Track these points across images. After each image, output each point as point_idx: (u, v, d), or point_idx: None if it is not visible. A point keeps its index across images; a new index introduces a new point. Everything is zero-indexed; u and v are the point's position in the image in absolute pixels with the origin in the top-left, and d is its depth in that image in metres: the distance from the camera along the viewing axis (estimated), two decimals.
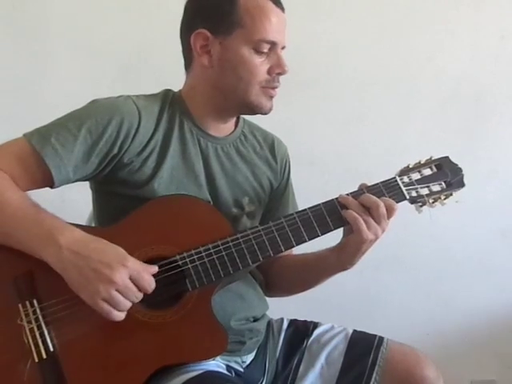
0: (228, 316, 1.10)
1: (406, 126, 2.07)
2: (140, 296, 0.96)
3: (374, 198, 1.07)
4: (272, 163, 1.28)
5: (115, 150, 1.06)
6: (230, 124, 1.23)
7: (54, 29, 1.91)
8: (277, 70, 1.12)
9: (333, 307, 1.92)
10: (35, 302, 0.97)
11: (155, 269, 0.98)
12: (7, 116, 1.85)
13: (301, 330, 1.27)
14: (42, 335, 0.95)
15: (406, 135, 2.07)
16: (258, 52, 1.10)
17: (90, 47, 1.92)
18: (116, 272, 0.92)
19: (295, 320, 1.31)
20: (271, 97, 1.15)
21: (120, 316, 0.95)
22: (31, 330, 0.95)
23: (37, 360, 0.94)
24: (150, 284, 0.97)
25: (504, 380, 2.17)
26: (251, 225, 1.19)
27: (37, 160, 1.02)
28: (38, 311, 0.96)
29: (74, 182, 1.08)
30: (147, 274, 0.96)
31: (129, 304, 0.95)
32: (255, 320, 1.20)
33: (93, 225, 1.25)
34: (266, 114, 1.17)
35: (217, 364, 1.09)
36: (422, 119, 2.08)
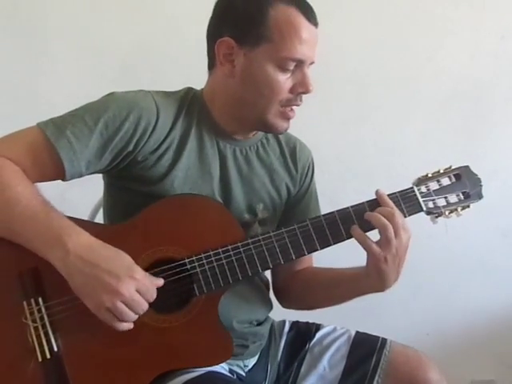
0: (231, 317, 1.09)
1: (405, 126, 2.07)
2: (146, 308, 0.94)
3: (382, 219, 1.02)
4: (292, 170, 1.23)
5: (130, 147, 1.04)
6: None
7: (53, 28, 1.91)
8: (300, 89, 1.08)
9: (334, 307, 1.92)
10: (40, 300, 0.95)
11: (161, 282, 0.97)
12: (7, 115, 1.84)
13: (303, 333, 1.26)
14: (46, 335, 0.94)
15: (406, 135, 2.07)
16: (283, 69, 1.05)
17: (89, 47, 1.92)
18: (123, 283, 0.91)
19: (297, 322, 1.30)
20: (288, 119, 1.11)
21: (124, 326, 0.94)
22: (36, 328, 0.94)
23: (40, 360, 0.93)
24: (153, 295, 0.95)
25: (504, 380, 2.17)
26: (262, 231, 1.15)
27: (50, 152, 0.99)
28: (43, 310, 0.95)
29: (86, 175, 1.06)
30: (152, 286, 0.95)
31: (134, 316, 0.93)
32: (259, 324, 1.19)
33: (95, 219, 1.23)
34: (281, 133, 1.15)
35: (219, 366, 1.08)
36: (421, 119, 2.08)
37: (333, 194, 1.90)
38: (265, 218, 1.17)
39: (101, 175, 1.16)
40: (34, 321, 0.94)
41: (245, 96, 1.09)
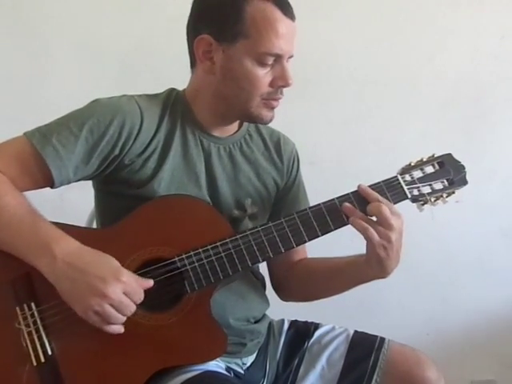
0: (227, 314, 1.10)
1: (405, 126, 2.07)
2: (134, 309, 0.95)
3: (375, 205, 1.05)
4: (278, 163, 1.25)
5: (116, 151, 1.05)
6: (234, 125, 1.21)
7: (53, 28, 1.91)
8: (280, 82, 1.09)
9: (332, 307, 1.91)
10: (33, 305, 0.96)
11: (150, 283, 0.98)
12: (7, 116, 1.84)
13: (301, 332, 1.27)
14: (40, 338, 0.95)
15: (406, 135, 2.07)
16: (262, 64, 1.07)
17: (89, 47, 1.92)
18: (110, 287, 0.92)
19: (296, 321, 1.31)
20: (272, 108, 1.12)
21: (113, 329, 0.94)
22: (29, 333, 0.94)
23: (35, 364, 0.94)
24: (141, 297, 0.96)
25: (504, 380, 2.17)
26: (253, 226, 1.15)
27: (37, 160, 1.01)
28: (36, 314, 0.96)
29: (74, 182, 1.08)
30: (139, 288, 0.96)
31: (122, 318, 0.94)
32: (256, 321, 1.19)
33: (94, 224, 1.24)
34: (266, 124, 1.16)
35: (216, 364, 1.09)
36: (421, 119, 2.08)
37: (333, 193, 1.90)
38: (254, 212, 1.18)
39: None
40: (27, 325, 0.94)
41: (226, 92, 1.10)
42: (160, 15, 1.93)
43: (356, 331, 1.25)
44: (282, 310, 1.31)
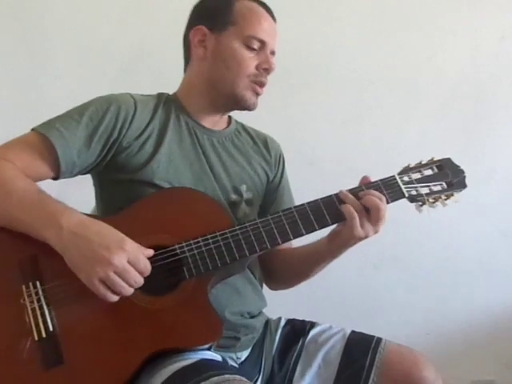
0: (222, 307, 1.11)
1: (405, 126, 2.08)
2: (139, 280, 0.98)
3: (377, 200, 1.08)
4: (266, 156, 1.33)
5: (115, 135, 1.13)
6: (223, 121, 1.30)
7: (53, 29, 1.92)
8: (264, 65, 1.20)
9: (332, 307, 1.93)
10: (38, 283, 1.00)
11: (150, 252, 1.01)
12: (7, 116, 1.85)
13: (297, 329, 1.28)
14: (42, 315, 0.98)
15: (406, 135, 2.07)
16: (248, 48, 1.19)
17: (89, 47, 1.92)
18: (114, 254, 0.95)
19: (293, 319, 1.32)
20: (257, 93, 1.21)
21: (116, 298, 0.97)
22: (33, 309, 0.98)
23: (36, 338, 0.97)
24: (146, 265, 0.99)
25: (504, 380, 2.17)
26: (250, 212, 1.23)
27: (44, 143, 1.07)
28: (41, 292, 1.00)
29: (78, 171, 1.13)
30: (143, 256, 0.99)
31: (127, 287, 0.97)
32: (251, 317, 1.20)
33: None
34: (250, 109, 1.23)
35: (212, 355, 1.10)
36: (421, 119, 2.08)
37: (332, 193, 1.91)
38: (250, 198, 1.25)
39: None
40: (31, 302, 0.99)
41: (216, 73, 1.21)
42: (160, 16, 1.93)
43: (353, 331, 1.25)
44: (279, 309, 1.31)
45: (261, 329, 1.24)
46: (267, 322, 1.28)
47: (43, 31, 1.92)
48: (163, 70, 1.85)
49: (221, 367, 1.02)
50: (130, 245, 0.98)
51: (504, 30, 2.07)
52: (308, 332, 1.26)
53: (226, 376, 0.95)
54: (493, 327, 2.16)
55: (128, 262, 0.97)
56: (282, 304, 1.33)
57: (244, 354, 1.20)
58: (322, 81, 1.99)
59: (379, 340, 1.21)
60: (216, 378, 0.94)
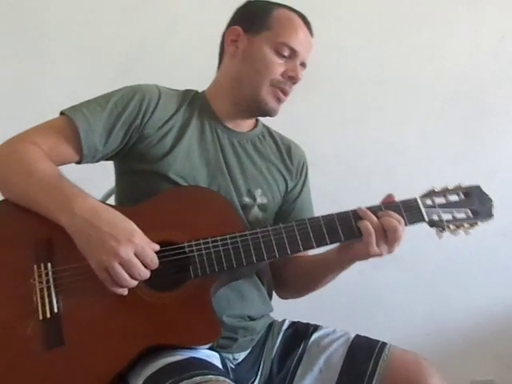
0: (221, 310, 1.11)
1: (406, 126, 2.08)
2: (145, 273, 0.99)
3: (395, 222, 1.07)
4: (288, 163, 1.31)
5: (138, 121, 1.15)
6: (248, 123, 1.30)
7: (53, 29, 1.92)
8: (290, 72, 1.20)
9: (332, 307, 1.92)
10: (49, 265, 1.02)
11: (157, 247, 1.02)
12: (6, 116, 1.84)
13: (300, 332, 1.26)
14: (49, 296, 1.00)
15: (406, 135, 2.07)
16: (278, 54, 1.20)
17: (89, 47, 1.92)
18: (121, 246, 0.96)
19: (297, 322, 1.30)
20: (279, 99, 1.22)
21: (118, 290, 0.98)
22: (41, 290, 1.01)
23: (41, 318, 0.99)
24: (153, 259, 0.99)
25: (504, 380, 2.17)
26: (263, 217, 1.23)
27: (69, 127, 1.10)
28: (50, 274, 1.02)
29: (100, 157, 1.15)
30: (150, 250, 1.00)
31: (130, 280, 0.98)
32: (251, 320, 1.19)
33: None
34: (271, 114, 1.24)
35: (210, 353, 1.10)
36: (422, 119, 2.08)
37: (333, 193, 1.90)
38: (264, 203, 1.24)
39: (104, 173, 1.24)
40: (40, 282, 1.01)
41: (243, 73, 1.22)
42: (160, 15, 1.93)
43: (357, 335, 1.23)
44: (284, 311, 1.31)
45: (262, 331, 1.23)
46: (271, 324, 1.26)
47: (43, 31, 1.92)
48: (163, 70, 1.85)
49: (207, 367, 1.00)
50: (139, 237, 0.99)
51: (504, 30, 2.07)
52: (311, 335, 1.24)
53: (209, 377, 0.94)
54: (492, 327, 2.16)
55: (135, 254, 0.97)
56: (285, 306, 1.32)
57: (241, 356, 1.19)
58: (322, 81, 1.99)
59: (384, 345, 1.18)
60: (199, 377, 0.93)
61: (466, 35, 2.07)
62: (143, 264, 0.98)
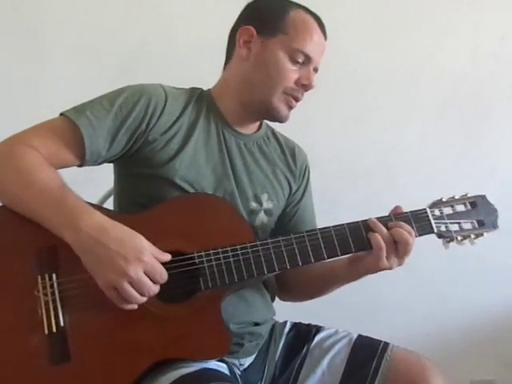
0: (228, 317, 1.09)
1: (405, 126, 2.07)
2: (154, 291, 0.96)
3: (407, 234, 1.07)
4: (292, 166, 1.29)
5: (143, 126, 1.11)
6: (255, 124, 1.27)
7: (52, 29, 1.91)
8: (304, 81, 1.17)
9: (332, 307, 1.92)
10: (54, 276, 0.99)
11: (168, 257, 0.99)
12: (6, 116, 1.84)
13: (302, 335, 1.25)
14: (55, 309, 0.97)
15: (406, 135, 2.07)
16: (293, 60, 1.16)
17: (89, 47, 1.92)
18: (131, 265, 0.93)
19: (299, 323, 1.29)
20: (290, 107, 1.19)
21: (128, 307, 0.96)
22: (46, 302, 0.97)
23: (46, 332, 0.96)
24: (162, 275, 0.97)
25: (504, 380, 2.17)
26: (268, 222, 1.21)
27: (72, 131, 1.05)
28: (55, 285, 0.98)
29: (102, 160, 1.11)
30: (160, 266, 0.97)
31: (140, 298, 0.95)
32: (257, 325, 1.18)
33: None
34: (281, 121, 1.21)
35: (216, 364, 1.08)
36: (421, 119, 2.08)
37: (333, 193, 1.90)
38: (270, 208, 1.21)
39: (104, 173, 1.21)
40: (45, 294, 0.97)
41: (254, 78, 1.18)
42: (160, 15, 1.93)
43: (360, 335, 1.22)
44: (284, 312, 1.30)
45: (266, 335, 1.22)
46: (273, 327, 1.25)
47: (43, 31, 1.91)
48: (163, 70, 1.85)
49: (222, 378, 1.01)
50: (148, 255, 0.96)
51: (504, 30, 2.06)
52: (313, 337, 1.23)
53: None
54: (492, 327, 2.16)
55: (144, 272, 0.95)
56: (285, 306, 1.32)
57: (248, 361, 1.18)
58: (322, 81, 1.98)
59: (386, 345, 1.17)
60: None
61: (466, 35, 2.06)
62: (152, 281, 0.96)
